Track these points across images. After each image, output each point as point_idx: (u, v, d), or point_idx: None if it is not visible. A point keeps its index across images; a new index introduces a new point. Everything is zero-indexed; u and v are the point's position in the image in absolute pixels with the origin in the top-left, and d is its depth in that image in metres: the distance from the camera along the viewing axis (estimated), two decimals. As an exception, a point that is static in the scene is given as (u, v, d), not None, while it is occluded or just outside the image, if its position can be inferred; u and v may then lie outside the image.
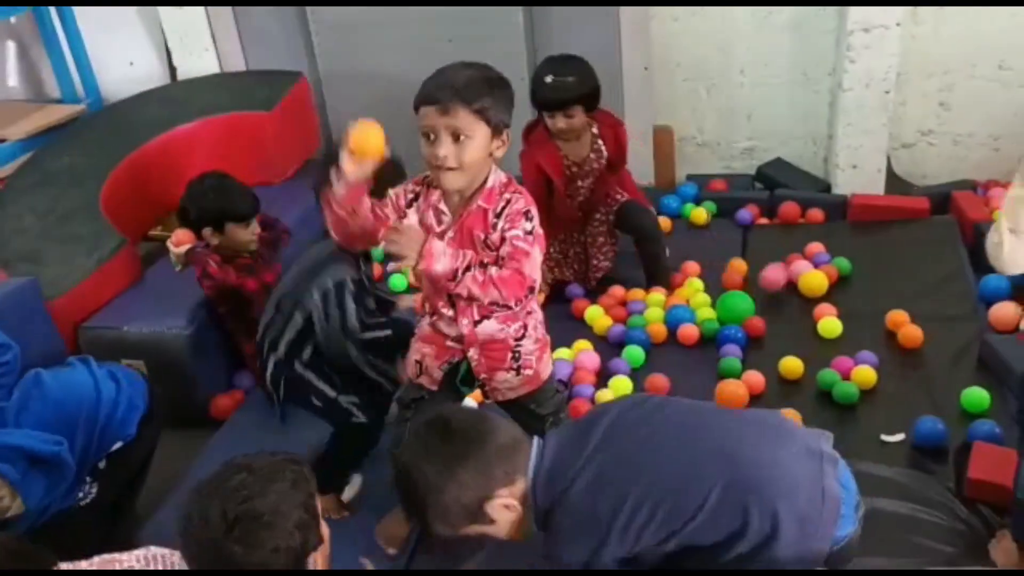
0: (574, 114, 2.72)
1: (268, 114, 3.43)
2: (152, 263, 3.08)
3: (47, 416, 1.97)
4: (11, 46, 4.10)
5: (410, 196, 1.90)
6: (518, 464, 1.56)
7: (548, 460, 1.57)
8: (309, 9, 3.57)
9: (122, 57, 4.08)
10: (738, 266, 3.03)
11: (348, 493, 2.28)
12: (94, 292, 2.78)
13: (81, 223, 2.97)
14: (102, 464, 2.08)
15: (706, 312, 2.81)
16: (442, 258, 1.75)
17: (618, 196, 2.97)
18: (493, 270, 1.80)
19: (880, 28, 3.22)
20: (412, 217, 1.88)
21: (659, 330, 2.77)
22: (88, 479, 2.06)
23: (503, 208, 1.82)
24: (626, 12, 3.36)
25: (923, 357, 2.58)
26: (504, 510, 1.54)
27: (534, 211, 1.85)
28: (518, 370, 1.99)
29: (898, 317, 2.66)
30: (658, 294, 2.95)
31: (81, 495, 2.04)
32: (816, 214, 3.32)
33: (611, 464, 1.53)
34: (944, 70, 3.49)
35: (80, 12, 3.94)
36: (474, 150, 1.76)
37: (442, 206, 1.86)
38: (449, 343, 1.98)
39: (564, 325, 2.88)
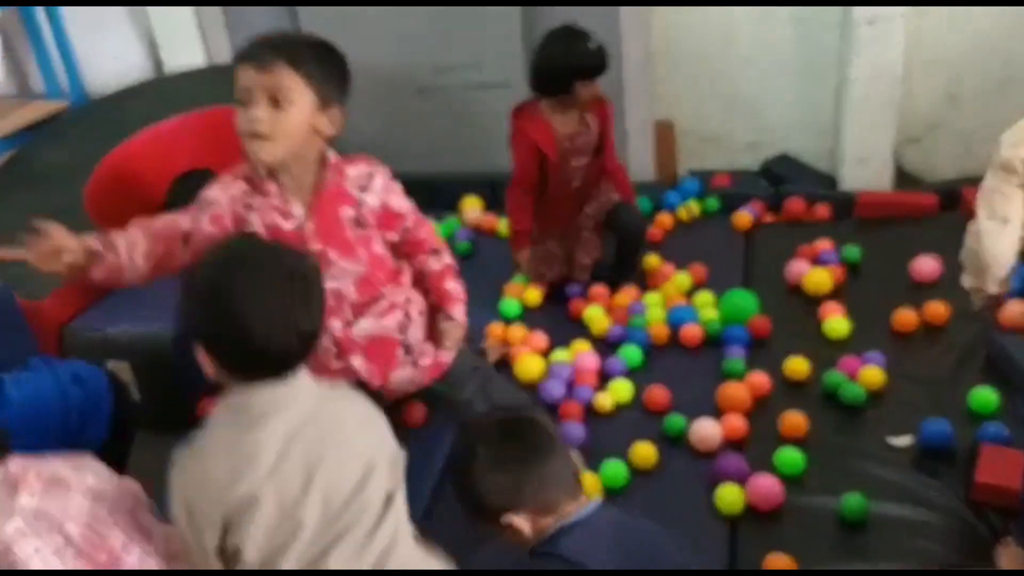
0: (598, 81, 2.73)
1: (258, 109, 3.36)
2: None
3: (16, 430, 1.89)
4: (-3, 41, 4.03)
5: (242, 199, 1.69)
6: (559, 503, 1.49)
7: (588, 530, 1.49)
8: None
9: (108, 51, 4.01)
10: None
11: None
12: (79, 293, 2.72)
13: (67, 221, 2.88)
14: None
15: (709, 312, 2.73)
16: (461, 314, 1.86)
17: (612, 195, 2.93)
18: (447, 257, 1.85)
19: (886, 20, 3.15)
20: (255, 222, 1.67)
21: (660, 331, 2.70)
22: None
23: (366, 182, 1.71)
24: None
25: (930, 356, 2.51)
26: (512, 529, 1.49)
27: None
28: (414, 363, 1.84)
29: (906, 317, 2.58)
30: (654, 294, 2.90)
31: None
32: (823, 210, 3.25)
33: None
34: (953, 62, 3.41)
35: (66, 7, 3.87)
36: (294, 117, 1.57)
37: (286, 196, 1.68)
38: (333, 366, 1.74)
39: (562, 325, 2.83)
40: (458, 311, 1.85)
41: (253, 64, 1.56)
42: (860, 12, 3.17)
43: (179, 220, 1.73)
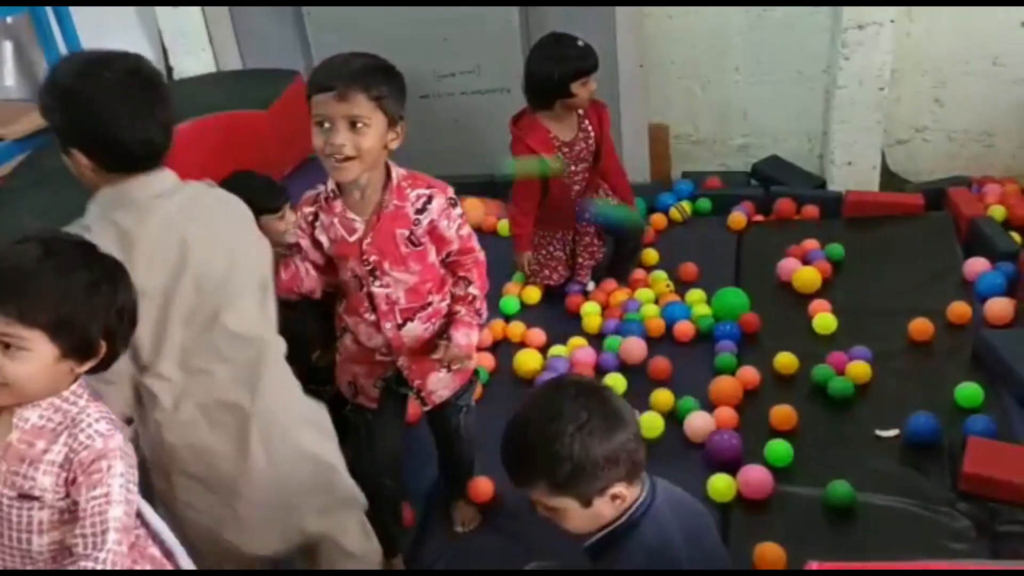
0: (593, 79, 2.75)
1: (265, 113, 3.43)
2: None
3: None
4: (8, 46, 4.10)
5: (310, 218, 1.86)
6: (641, 471, 1.50)
7: (660, 495, 1.52)
8: (305, 9, 3.58)
9: (119, 57, 4.09)
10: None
11: None
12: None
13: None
14: None
15: (702, 308, 2.82)
16: (474, 335, 1.92)
17: (610, 199, 2.99)
18: (473, 288, 1.93)
19: (874, 25, 3.24)
20: (321, 238, 1.84)
21: (656, 324, 2.78)
22: None
23: (425, 204, 1.82)
24: (621, 10, 3.38)
25: (918, 352, 2.59)
26: (611, 502, 1.45)
27: (451, 191, 1.87)
28: (448, 366, 1.97)
29: (922, 326, 2.62)
30: (647, 290, 2.99)
31: None
32: (811, 210, 3.33)
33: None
34: (938, 66, 3.51)
35: (77, 11, 3.94)
36: (372, 138, 1.71)
37: (350, 215, 1.82)
38: (379, 357, 1.94)
39: (560, 322, 2.91)
40: (460, 334, 1.90)
41: (333, 94, 1.68)
42: (849, 17, 3.25)
43: None
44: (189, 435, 1.63)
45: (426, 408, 2.03)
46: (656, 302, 2.93)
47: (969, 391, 2.34)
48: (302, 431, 1.75)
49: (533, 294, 3.04)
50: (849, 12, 3.23)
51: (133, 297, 1.42)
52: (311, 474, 1.76)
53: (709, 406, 2.44)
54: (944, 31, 3.43)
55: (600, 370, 2.65)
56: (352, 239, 1.82)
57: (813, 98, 3.61)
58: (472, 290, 1.93)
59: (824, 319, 2.71)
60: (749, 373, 2.51)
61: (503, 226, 3.39)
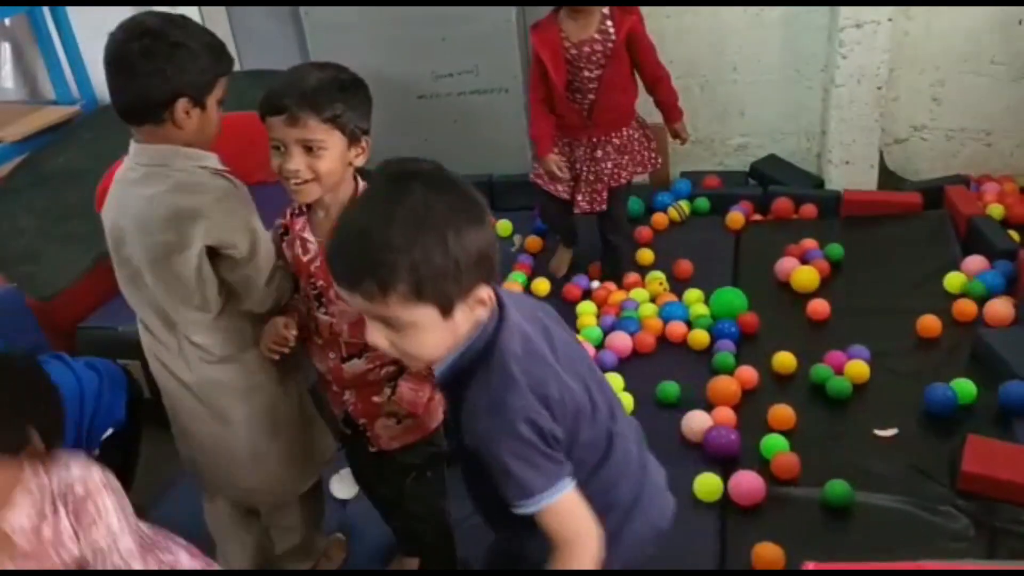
0: None
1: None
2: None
3: None
4: (5, 48, 4.10)
5: (280, 231, 1.79)
6: (495, 273, 1.27)
7: (504, 296, 1.32)
8: (303, 9, 3.58)
9: (116, 58, 4.09)
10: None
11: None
12: (91, 291, 2.79)
13: (78, 223, 2.99)
14: (96, 452, 2.09)
15: (700, 308, 2.82)
16: (424, 392, 1.74)
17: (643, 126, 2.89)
18: None
19: (872, 24, 3.24)
20: (287, 253, 1.77)
21: (654, 324, 2.78)
22: None
23: None
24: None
25: (917, 351, 2.59)
26: (477, 307, 1.25)
27: None
28: (398, 417, 1.80)
29: (928, 323, 2.63)
30: (642, 289, 2.99)
31: None
32: (809, 210, 3.33)
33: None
34: (936, 65, 3.50)
35: (74, 13, 3.94)
36: (329, 160, 1.62)
37: (307, 234, 1.73)
38: (334, 387, 1.83)
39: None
40: (406, 387, 1.74)
41: (283, 117, 1.60)
42: (846, 16, 3.25)
43: None
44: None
45: (372, 450, 1.86)
46: (653, 302, 2.93)
47: (962, 386, 2.33)
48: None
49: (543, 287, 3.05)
50: (846, 11, 3.23)
51: None
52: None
53: (707, 405, 2.44)
54: (942, 29, 3.43)
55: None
56: (305, 259, 1.74)
57: (811, 97, 3.61)
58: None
59: (822, 318, 2.73)
60: (747, 373, 2.51)
61: (501, 227, 3.40)
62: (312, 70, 1.66)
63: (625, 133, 2.85)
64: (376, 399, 1.78)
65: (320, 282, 1.72)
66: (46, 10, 3.87)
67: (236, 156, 3.50)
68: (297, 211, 1.77)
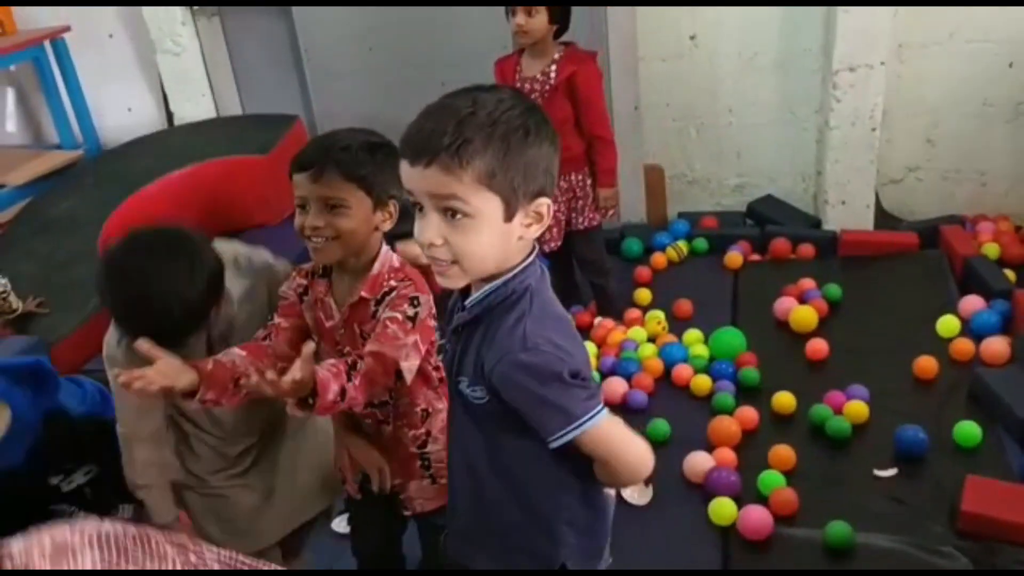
0: (535, 12, 2.64)
1: (265, 157, 3.47)
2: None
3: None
4: (10, 93, 4.16)
5: (299, 290, 1.72)
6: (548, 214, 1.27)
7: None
8: (305, 55, 3.64)
9: (120, 103, 4.15)
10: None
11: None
12: (93, 337, 2.78)
13: (80, 268, 3.00)
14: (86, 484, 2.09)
15: (699, 348, 2.83)
16: (335, 388, 1.47)
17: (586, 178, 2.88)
18: (361, 364, 1.53)
19: (865, 67, 3.29)
20: (307, 314, 1.71)
21: (654, 365, 2.78)
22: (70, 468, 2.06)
23: (385, 295, 1.62)
24: (616, 55, 3.43)
25: (916, 391, 2.60)
26: (534, 222, 1.24)
27: (426, 299, 1.63)
28: (432, 478, 1.76)
29: (926, 363, 2.63)
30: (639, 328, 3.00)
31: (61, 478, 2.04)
32: (807, 249, 3.36)
33: None
34: (929, 107, 3.55)
35: (79, 59, 4.01)
36: (353, 220, 1.58)
37: (329, 300, 1.67)
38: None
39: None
40: (320, 368, 1.55)
41: (308, 173, 1.58)
42: (840, 60, 3.31)
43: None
44: None
45: (407, 513, 1.83)
46: (653, 341, 2.94)
47: (967, 429, 2.35)
48: None
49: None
50: (839, 54, 3.28)
51: None
52: None
53: (708, 446, 2.44)
54: (934, 73, 3.48)
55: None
56: (327, 325, 1.69)
57: (806, 139, 3.65)
58: (360, 365, 1.54)
59: (821, 358, 2.74)
60: (747, 414, 2.51)
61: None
62: (344, 132, 1.65)
63: (574, 178, 2.87)
64: (411, 450, 1.75)
65: (347, 348, 1.68)
66: (51, 56, 3.94)
67: (237, 198, 3.56)
68: (320, 272, 1.71)
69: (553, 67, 2.75)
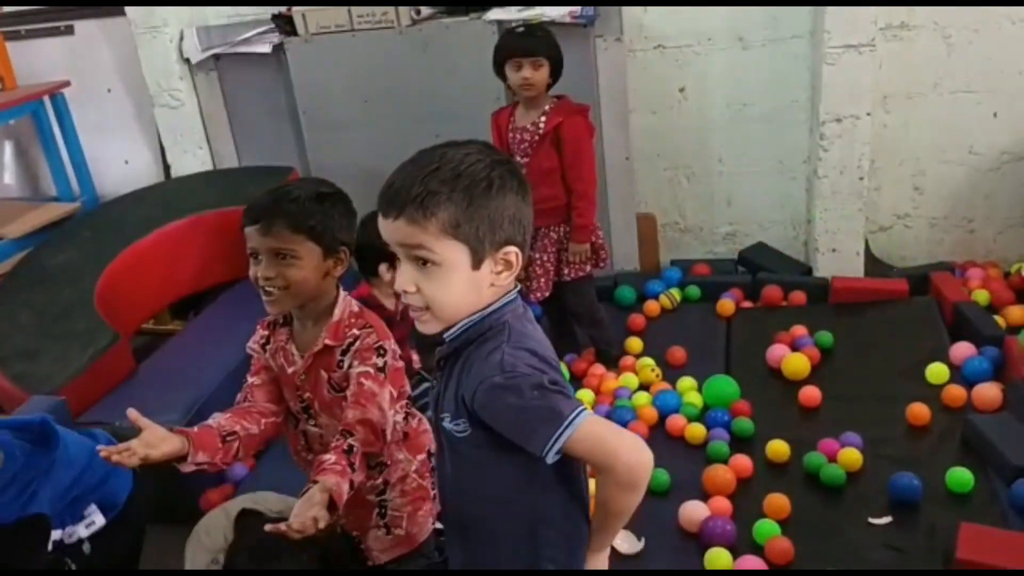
0: (540, 66, 2.74)
1: (261, 209, 3.51)
2: (145, 357, 3.11)
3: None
4: (8, 147, 4.21)
5: (261, 342, 1.78)
6: (524, 257, 1.33)
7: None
8: (301, 109, 3.70)
9: (118, 156, 4.20)
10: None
11: None
12: (88, 387, 2.80)
13: (76, 319, 3.02)
14: (87, 537, 2.08)
15: (692, 396, 2.84)
16: (345, 485, 1.53)
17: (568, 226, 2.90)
18: (353, 440, 1.59)
19: (851, 118, 3.35)
20: (271, 363, 1.75)
21: (648, 413, 2.79)
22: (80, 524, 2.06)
23: (350, 344, 1.66)
24: (608, 106, 3.49)
25: (908, 437, 2.60)
26: (503, 269, 1.29)
27: (389, 345, 1.68)
28: (387, 528, 1.80)
29: (919, 410, 2.64)
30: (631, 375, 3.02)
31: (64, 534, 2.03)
32: (798, 296, 3.38)
33: None
34: (916, 156, 3.61)
35: (78, 113, 4.06)
36: (302, 270, 1.62)
37: (290, 347, 1.72)
38: None
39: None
40: (327, 477, 1.53)
41: (258, 226, 1.62)
42: (826, 111, 3.37)
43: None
44: None
45: (369, 563, 1.85)
46: (648, 389, 2.95)
47: (959, 476, 2.35)
48: None
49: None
50: (826, 106, 3.35)
51: None
52: None
53: (703, 495, 2.44)
54: (920, 122, 3.55)
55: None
56: (289, 371, 1.73)
57: (796, 187, 3.71)
58: (351, 441, 1.61)
59: (814, 405, 2.75)
60: (741, 462, 2.51)
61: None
62: (294, 184, 1.70)
63: (561, 230, 2.91)
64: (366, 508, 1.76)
65: (307, 394, 1.72)
66: (50, 110, 3.99)
67: (233, 249, 3.57)
68: (281, 321, 1.76)
69: (543, 118, 2.82)
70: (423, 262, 1.26)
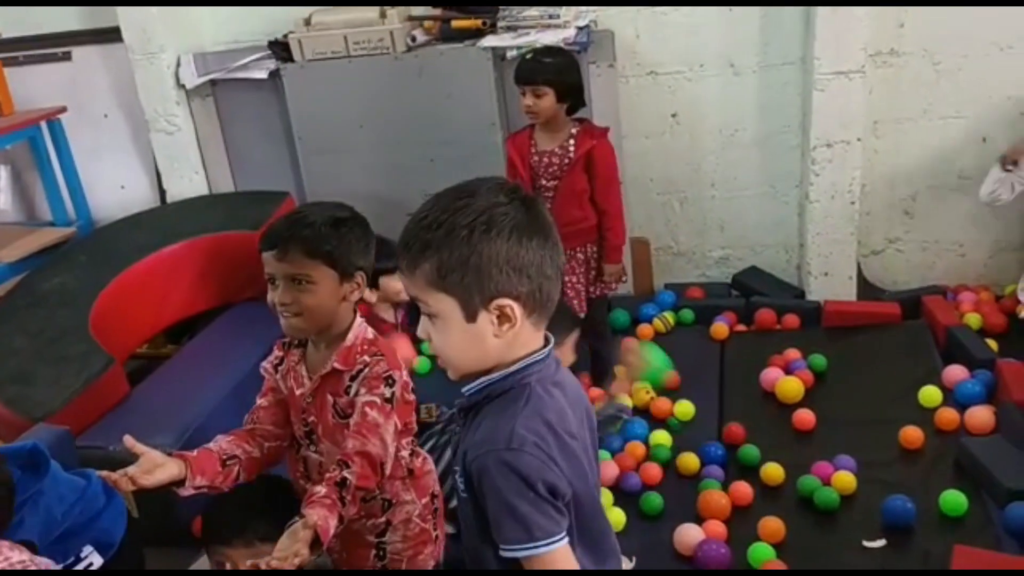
0: (542, 93, 2.79)
1: (256, 233, 3.51)
2: (139, 381, 3.11)
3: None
4: (5, 171, 4.21)
5: (275, 362, 1.77)
6: (544, 309, 1.27)
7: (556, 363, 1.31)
8: (297, 134, 3.71)
9: (114, 181, 4.21)
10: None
11: None
12: (82, 412, 2.79)
13: (71, 343, 3.01)
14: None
15: (661, 437, 2.80)
16: (332, 520, 1.47)
17: (597, 239, 2.96)
18: (348, 473, 1.54)
19: (842, 144, 3.38)
20: (281, 385, 1.75)
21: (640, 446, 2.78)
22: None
23: (360, 371, 1.64)
24: (600, 132, 3.52)
25: (902, 461, 2.61)
26: (504, 322, 1.22)
27: (399, 376, 1.65)
28: (384, 569, 1.76)
29: (912, 434, 2.65)
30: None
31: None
32: (792, 320, 3.40)
33: None
34: (906, 181, 3.64)
35: (74, 138, 4.07)
36: (318, 295, 1.62)
37: (301, 369, 1.72)
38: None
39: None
40: (313, 512, 1.47)
41: (274, 252, 1.63)
42: (817, 136, 3.40)
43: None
44: None
45: None
46: (647, 411, 2.94)
47: (952, 499, 2.35)
48: None
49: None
50: (816, 131, 3.38)
51: None
52: None
53: (697, 518, 2.43)
54: (910, 148, 3.58)
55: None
56: (297, 392, 1.71)
57: (788, 211, 3.73)
58: (346, 474, 1.55)
59: (808, 428, 2.75)
60: (738, 487, 2.51)
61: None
62: (310, 208, 1.70)
63: (590, 250, 2.99)
64: (363, 551, 1.73)
65: (312, 418, 1.71)
66: (47, 135, 4.00)
67: (228, 272, 3.59)
68: (296, 343, 1.76)
69: (572, 142, 2.89)
70: (427, 314, 1.24)
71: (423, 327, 1.26)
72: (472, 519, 1.28)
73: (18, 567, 1.42)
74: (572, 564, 1.25)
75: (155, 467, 1.56)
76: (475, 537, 1.30)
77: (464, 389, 1.29)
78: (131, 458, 1.59)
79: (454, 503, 1.48)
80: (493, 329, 1.22)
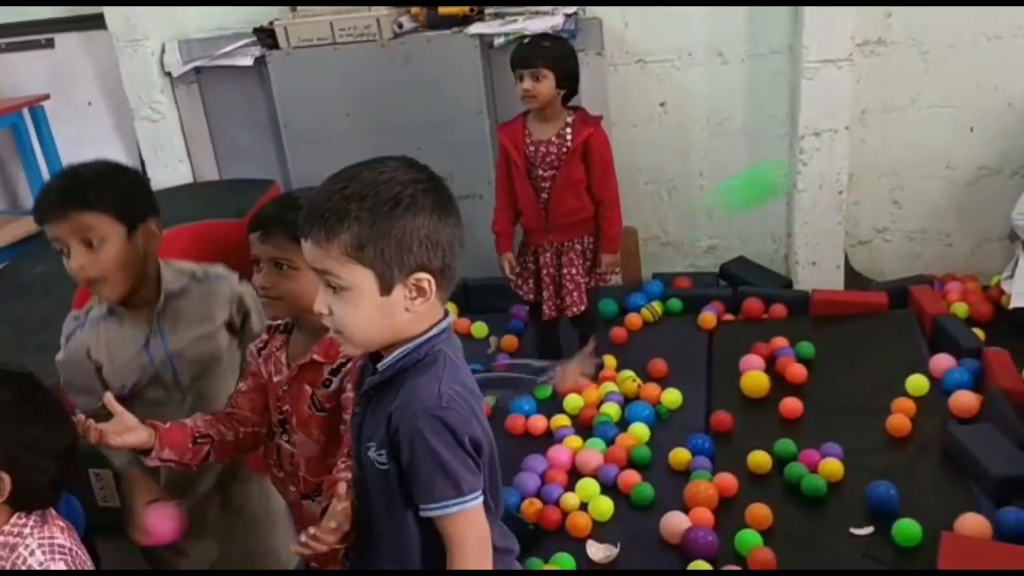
0: (542, 77, 2.76)
1: (241, 221, 3.48)
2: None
3: None
4: (-14, 160, 4.19)
5: (260, 345, 1.73)
6: (450, 282, 1.30)
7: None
8: (282, 122, 3.69)
9: (98, 169, 4.17)
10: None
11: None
12: (65, 398, 2.77)
13: (52, 332, 2.98)
14: None
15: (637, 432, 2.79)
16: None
17: (593, 231, 2.96)
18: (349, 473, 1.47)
19: (829, 132, 3.38)
20: (262, 369, 1.69)
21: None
22: None
23: (342, 364, 1.58)
24: (588, 120, 3.51)
25: (889, 448, 2.61)
26: (418, 296, 1.25)
27: None
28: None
29: (899, 421, 2.65)
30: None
31: None
32: (779, 309, 3.40)
33: None
34: (894, 170, 3.65)
35: (57, 126, 4.04)
36: (300, 282, 1.56)
37: (281, 355, 1.66)
38: (296, 526, 1.75)
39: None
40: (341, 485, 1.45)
41: (258, 234, 1.60)
42: (805, 125, 3.40)
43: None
44: None
45: None
46: (630, 400, 2.94)
47: (907, 528, 2.26)
48: None
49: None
50: (804, 120, 3.38)
51: None
52: None
53: (685, 507, 2.42)
54: (897, 137, 3.58)
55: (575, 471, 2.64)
56: (275, 379, 1.67)
57: (776, 201, 3.73)
58: (348, 474, 1.50)
59: (795, 416, 2.75)
60: (725, 481, 2.49)
61: (476, 329, 3.44)
62: (303, 192, 1.65)
63: (587, 241, 2.98)
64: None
65: (286, 407, 1.66)
66: (30, 123, 3.96)
67: (211, 261, 3.55)
68: (282, 328, 1.71)
69: (568, 130, 2.85)
70: (333, 286, 1.24)
71: (322, 300, 1.26)
72: (396, 487, 1.29)
73: (58, 556, 1.38)
74: (485, 525, 1.31)
75: (126, 430, 1.55)
76: (392, 507, 1.31)
77: (380, 365, 1.30)
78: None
79: None
80: (406, 303, 1.25)
